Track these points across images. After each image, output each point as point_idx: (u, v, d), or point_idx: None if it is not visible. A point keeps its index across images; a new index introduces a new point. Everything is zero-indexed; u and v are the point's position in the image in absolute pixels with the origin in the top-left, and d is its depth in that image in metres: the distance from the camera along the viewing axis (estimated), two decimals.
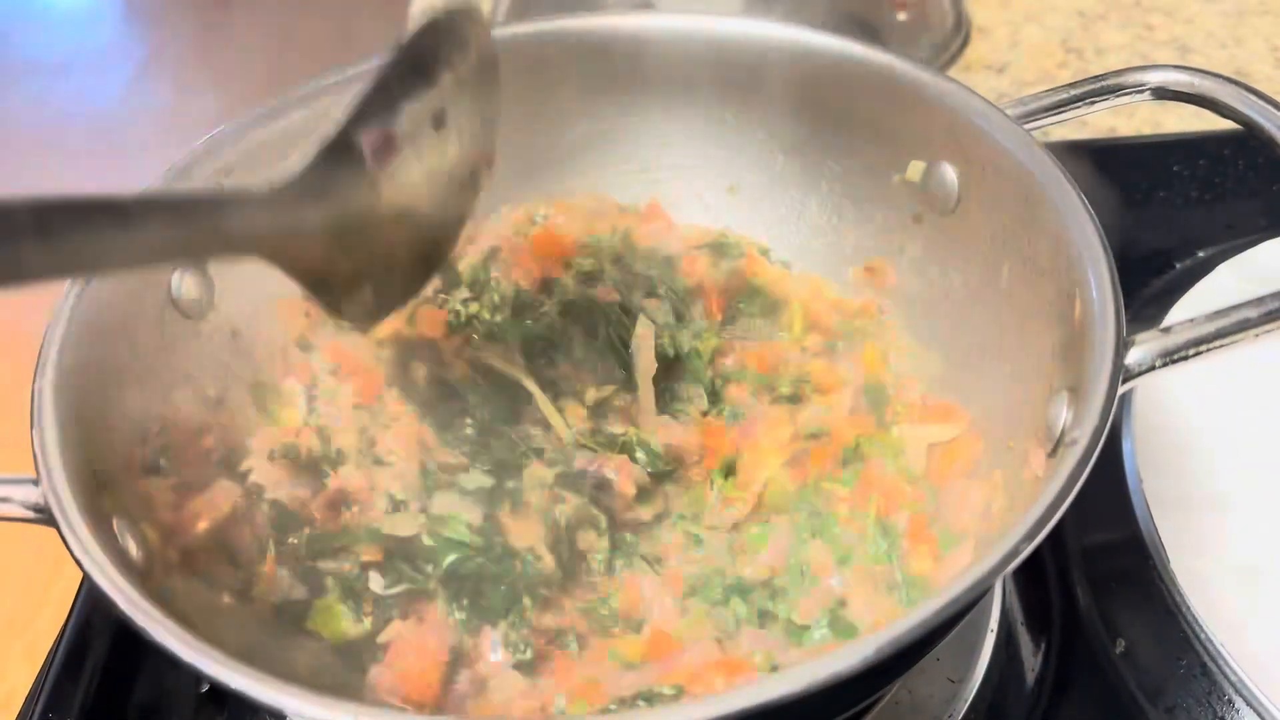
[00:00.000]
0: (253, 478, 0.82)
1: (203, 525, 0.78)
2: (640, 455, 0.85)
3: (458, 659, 0.74)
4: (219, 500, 0.79)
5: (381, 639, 0.76)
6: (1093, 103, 0.84)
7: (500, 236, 0.96)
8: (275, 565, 0.79)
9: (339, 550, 0.78)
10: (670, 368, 0.91)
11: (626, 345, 0.90)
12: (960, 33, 1.49)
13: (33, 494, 0.65)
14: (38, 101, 3.63)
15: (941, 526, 0.79)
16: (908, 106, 0.88)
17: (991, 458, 0.80)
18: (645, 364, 0.89)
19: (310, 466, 0.83)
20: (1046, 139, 0.82)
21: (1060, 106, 0.84)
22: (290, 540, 0.80)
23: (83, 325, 0.74)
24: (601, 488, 0.82)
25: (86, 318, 0.75)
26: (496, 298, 0.92)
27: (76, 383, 0.72)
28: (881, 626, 0.54)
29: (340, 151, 0.67)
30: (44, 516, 0.64)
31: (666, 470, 0.86)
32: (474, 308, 0.91)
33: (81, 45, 3.89)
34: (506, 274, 0.92)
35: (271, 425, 0.87)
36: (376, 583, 0.76)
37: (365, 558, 0.77)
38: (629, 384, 0.90)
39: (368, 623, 0.75)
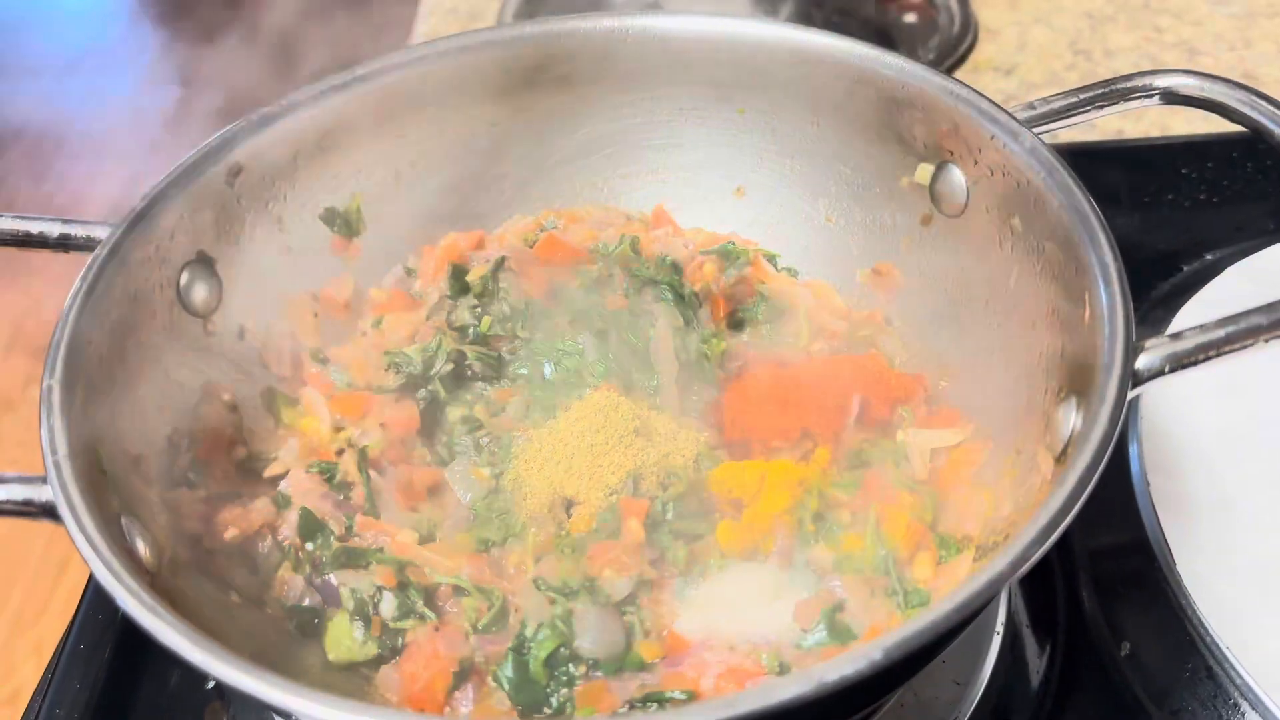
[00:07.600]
0: (283, 487, 0.83)
1: (231, 534, 0.79)
2: None
3: (466, 672, 0.74)
4: (253, 516, 0.80)
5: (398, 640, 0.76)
6: (1101, 106, 0.84)
7: (508, 246, 0.96)
8: (292, 572, 0.79)
9: (360, 566, 0.79)
10: (679, 370, 0.90)
11: (636, 350, 0.90)
12: (968, 34, 1.49)
13: (41, 492, 0.65)
14: (46, 100, 3.64)
15: (942, 534, 0.79)
16: (916, 109, 0.87)
17: (998, 463, 0.79)
18: (666, 364, 0.89)
19: (342, 487, 0.83)
20: (1054, 141, 0.81)
21: (1068, 111, 0.84)
22: (310, 548, 0.80)
23: (91, 323, 0.74)
24: None
25: (95, 316, 0.75)
26: (506, 308, 0.92)
27: (85, 381, 0.72)
28: (879, 631, 0.54)
29: None
30: (51, 514, 0.65)
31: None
32: (485, 322, 0.92)
33: (90, 45, 3.90)
34: (515, 283, 0.92)
35: (297, 435, 0.87)
36: (389, 608, 0.76)
37: (380, 580, 0.77)
38: (647, 385, 0.89)
39: (373, 647, 0.76)
